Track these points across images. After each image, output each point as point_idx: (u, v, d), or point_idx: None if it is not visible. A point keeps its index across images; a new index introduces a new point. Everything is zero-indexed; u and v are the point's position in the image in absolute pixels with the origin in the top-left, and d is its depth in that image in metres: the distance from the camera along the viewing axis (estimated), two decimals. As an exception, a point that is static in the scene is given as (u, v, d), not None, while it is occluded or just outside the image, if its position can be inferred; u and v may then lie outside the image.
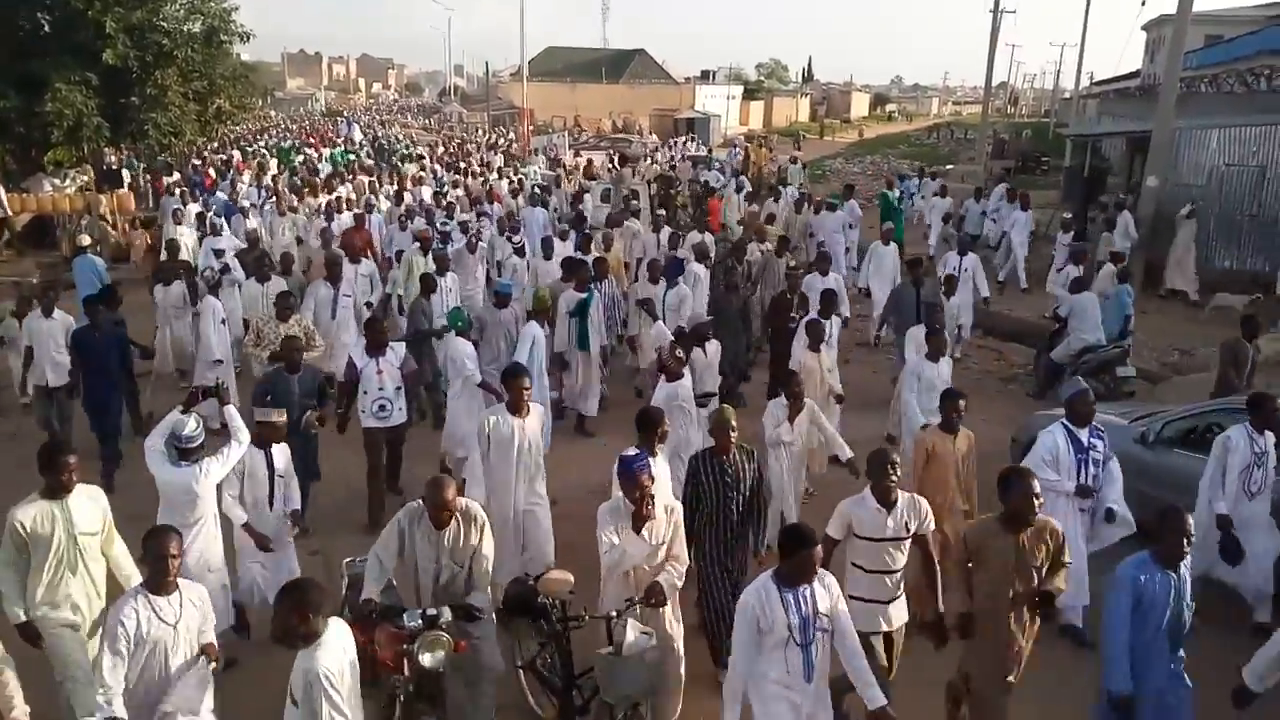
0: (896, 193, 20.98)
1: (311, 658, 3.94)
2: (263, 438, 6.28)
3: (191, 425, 5.83)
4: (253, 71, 30.53)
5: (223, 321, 10.46)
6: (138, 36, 21.53)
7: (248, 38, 24.92)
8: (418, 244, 13.01)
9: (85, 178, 22.38)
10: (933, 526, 5.34)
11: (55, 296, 9.82)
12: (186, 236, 14.74)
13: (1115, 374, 10.98)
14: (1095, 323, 11.34)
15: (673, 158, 33.26)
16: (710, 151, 37.91)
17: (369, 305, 11.55)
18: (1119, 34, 78.63)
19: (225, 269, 11.80)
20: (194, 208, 17.20)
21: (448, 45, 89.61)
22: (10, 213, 19.66)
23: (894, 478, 5.12)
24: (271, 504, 6.30)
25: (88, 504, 5.28)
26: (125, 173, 25.14)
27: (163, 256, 13.47)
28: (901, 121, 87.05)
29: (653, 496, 5.04)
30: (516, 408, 6.58)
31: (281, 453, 6.38)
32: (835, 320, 10.05)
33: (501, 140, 42.51)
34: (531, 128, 40.77)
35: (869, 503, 5.18)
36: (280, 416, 6.40)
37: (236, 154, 31.35)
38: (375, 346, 8.18)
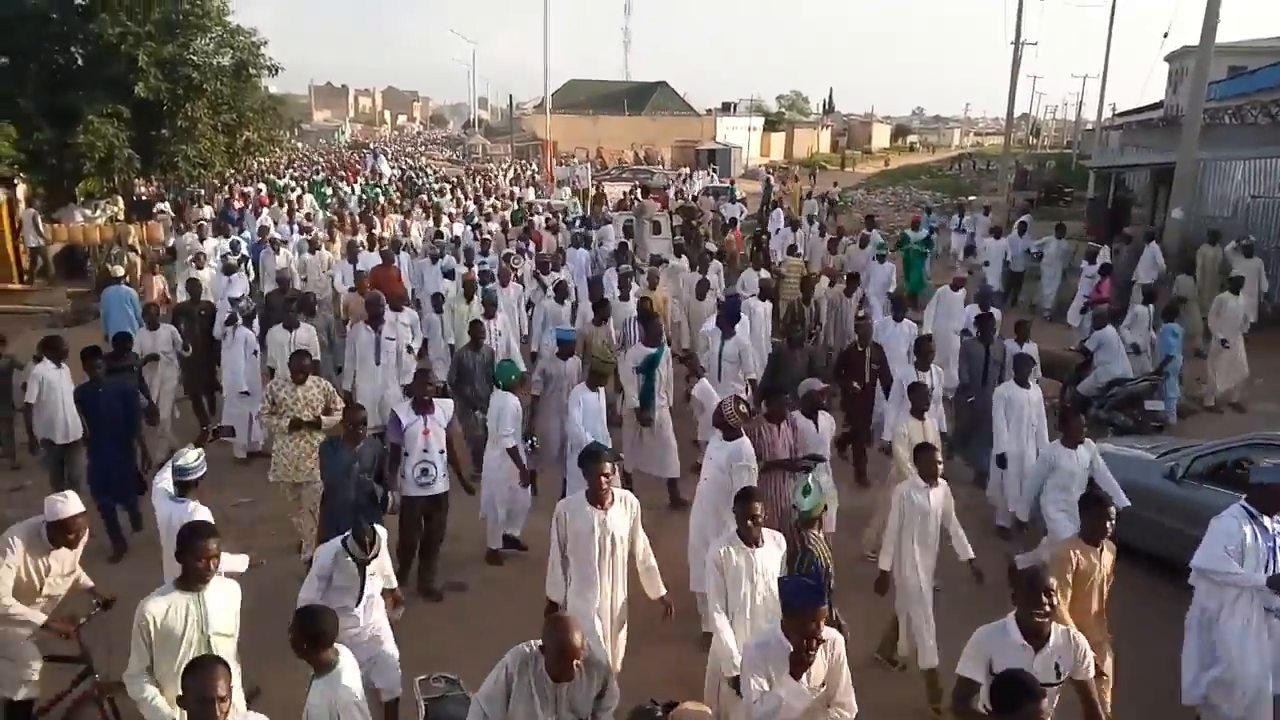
0: (923, 232, 19.53)
1: (337, 687, 4.04)
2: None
3: (190, 457, 5.74)
4: (280, 104, 30.89)
5: (254, 352, 10.39)
6: (169, 70, 21.93)
7: (276, 71, 25.28)
8: (457, 287, 12.01)
9: (115, 208, 22.77)
10: (1093, 672, 4.36)
11: (65, 345, 8.86)
12: (207, 279, 13.57)
13: (1144, 408, 10.88)
14: (1122, 356, 11.26)
15: (696, 192, 33.28)
16: (732, 183, 38.03)
17: (409, 349, 10.85)
18: (1141, 65, 78.92)
19: (249, 317, 11.01)
20: (211, 244, 16.22)
21: (472, 78, 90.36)
22: (45, 241, 20.00)
23: (1049, 606, 4.18)
24: (359, 601, 5.31)
25: (226, 599, 4.56)
26: (164, 204, 25.32)
27: (182, 297, 12.11)
28: (923, 153, 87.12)
29: (822, 639, 4.16)
30: (598, 498, 5.46)
31: (379, 564, 5.44)
32: (935, 371, 8.67)
33: (525, 173, 42.78)
34: (570, 161, 40.76)
35: (1012, 636, 4.20)
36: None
37: (263, 188, 31.58)
38: (422, 404, 7.37)
